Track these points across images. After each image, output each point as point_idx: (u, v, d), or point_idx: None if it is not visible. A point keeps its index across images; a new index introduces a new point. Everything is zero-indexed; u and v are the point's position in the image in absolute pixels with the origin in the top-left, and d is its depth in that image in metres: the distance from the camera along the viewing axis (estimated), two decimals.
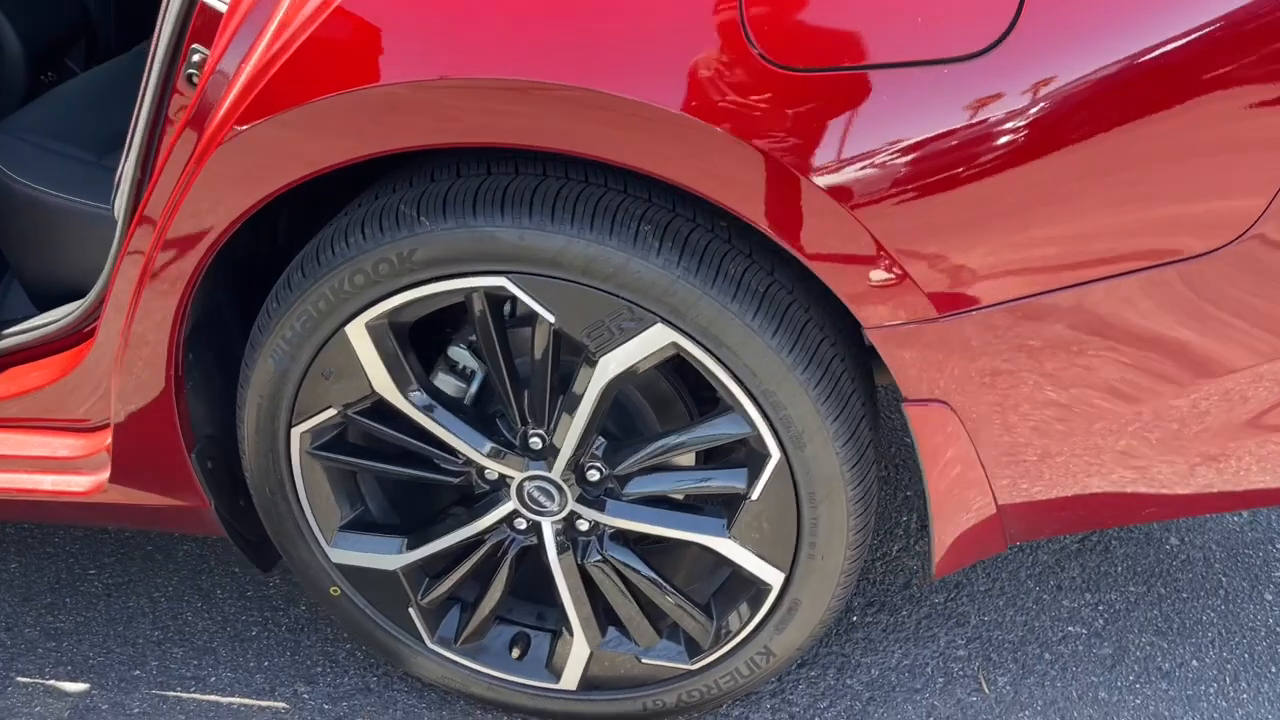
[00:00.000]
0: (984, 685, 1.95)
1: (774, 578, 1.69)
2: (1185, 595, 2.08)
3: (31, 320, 2.00)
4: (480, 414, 1.73)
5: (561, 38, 1.35)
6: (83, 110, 2.27)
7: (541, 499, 1.72)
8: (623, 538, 1.77)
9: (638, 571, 1.75)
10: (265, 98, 1.43)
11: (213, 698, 2.04)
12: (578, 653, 1.83)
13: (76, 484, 1.90)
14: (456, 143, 1.44)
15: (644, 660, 1.82)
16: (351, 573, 1.84)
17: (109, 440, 1.84)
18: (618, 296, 1.51)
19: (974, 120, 1.32)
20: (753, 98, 1.33)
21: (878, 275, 1.40)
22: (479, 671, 1.89)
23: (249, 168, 1.51)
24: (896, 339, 1.45)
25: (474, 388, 1.74)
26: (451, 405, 1.70)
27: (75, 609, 2.24)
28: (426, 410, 1.68)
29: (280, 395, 1.69)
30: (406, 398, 1.67)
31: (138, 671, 2.10)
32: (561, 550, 1.76)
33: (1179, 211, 1.34)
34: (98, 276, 1.91)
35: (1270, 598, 2.06)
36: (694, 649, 1.80)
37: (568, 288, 1.52)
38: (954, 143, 1.33)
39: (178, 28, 1.62)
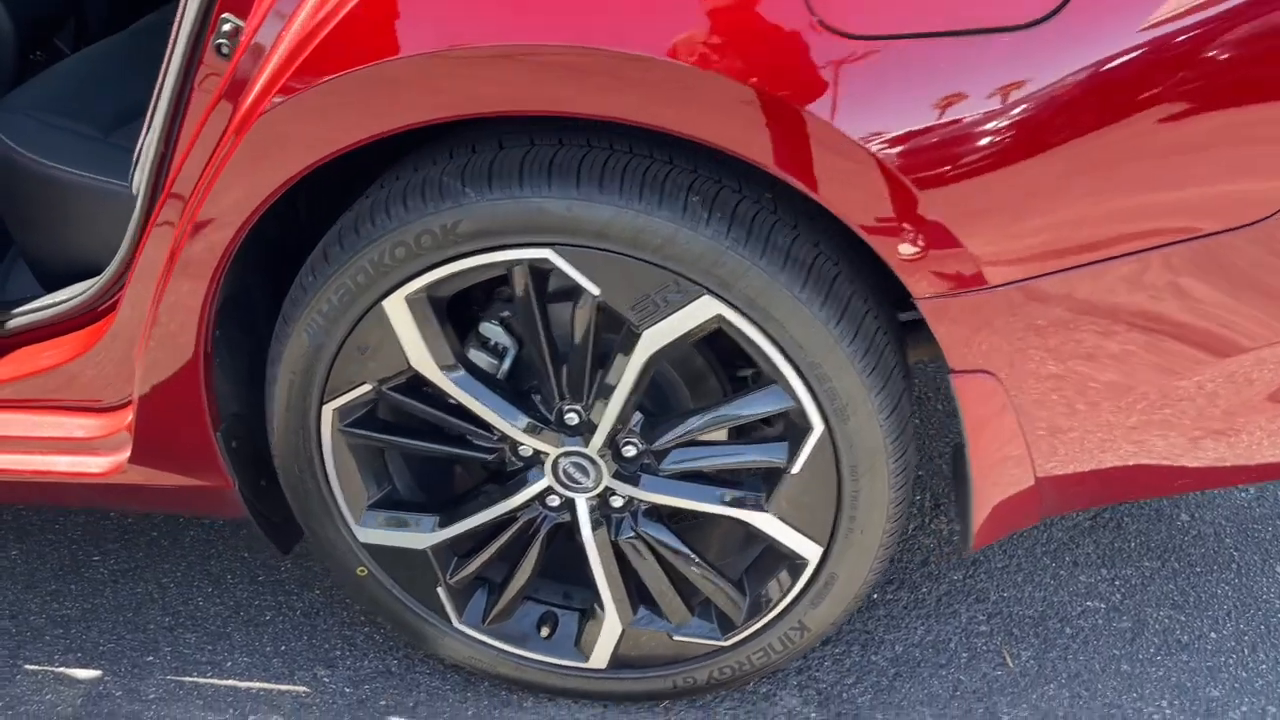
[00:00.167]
0: (1008, 659, 1.97)
1: (811, 552, 1.69)
2: (1199, 570, 2.10)
3: (42, 299, 1.96)
4: (515, 390, 1.71)
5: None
6: (85, 87, 2.22)
7: (576, 475, 1.71)
8: (656, 513, 1.76)
9: (672, 547, 1.75)
10: (313, 64, 1.41)
11: (230, 682, 2.01)
12: (609, 631, 1.82)
13: (94, 465, 1.86)
14: (523, 110, 1.42)
15: (676, 637, 1.81)
16: (379, 552, 1.82)
17: (129, 419, 1.81)
18: (664, 268, 1.50)
19: (1032, 89, 1.33)
20: (812, 64, 1.33)
21: (932, 244, 1.40)
22: (507, 651, 1.87)
23: (291, 138, 1.49)
24: (947, 309, 1.45)
25: (507, 364, 1.73)
26: (488, 381, 1.68)
27: (81, 595, 2.19)
28: (463, 386, 1.66)
29: (313, 371, 1.66)
30: (444, 373, 1.65)
31: (150, 657, 2.07)
32: (595, 526, 1.75)
33: (1237, 182, 1.35)
34: (109, 254, 1.87)
35: None
36: (726, 625, 1.79)
37: (613, 260, 1.51)
38: (1011, 112, 1.33)
39: None
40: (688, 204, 1.47)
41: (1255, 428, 1.58)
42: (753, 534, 1.78)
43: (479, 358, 1.71)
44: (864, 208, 1.39)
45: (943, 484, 2.30)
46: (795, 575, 1.72)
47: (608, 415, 1.64)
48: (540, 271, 1.57)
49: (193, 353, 1.68)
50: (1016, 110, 1.33)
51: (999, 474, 1.60)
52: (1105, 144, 1.34)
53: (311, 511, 1.80)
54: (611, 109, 1.40)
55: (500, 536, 1.79)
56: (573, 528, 1.77)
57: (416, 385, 1.70)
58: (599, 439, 1.67)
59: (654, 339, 1.56)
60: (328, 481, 1.76)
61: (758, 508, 1.68)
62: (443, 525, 1.78)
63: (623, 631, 1.82)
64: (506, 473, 1.77)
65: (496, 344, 1.74)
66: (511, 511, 1.77)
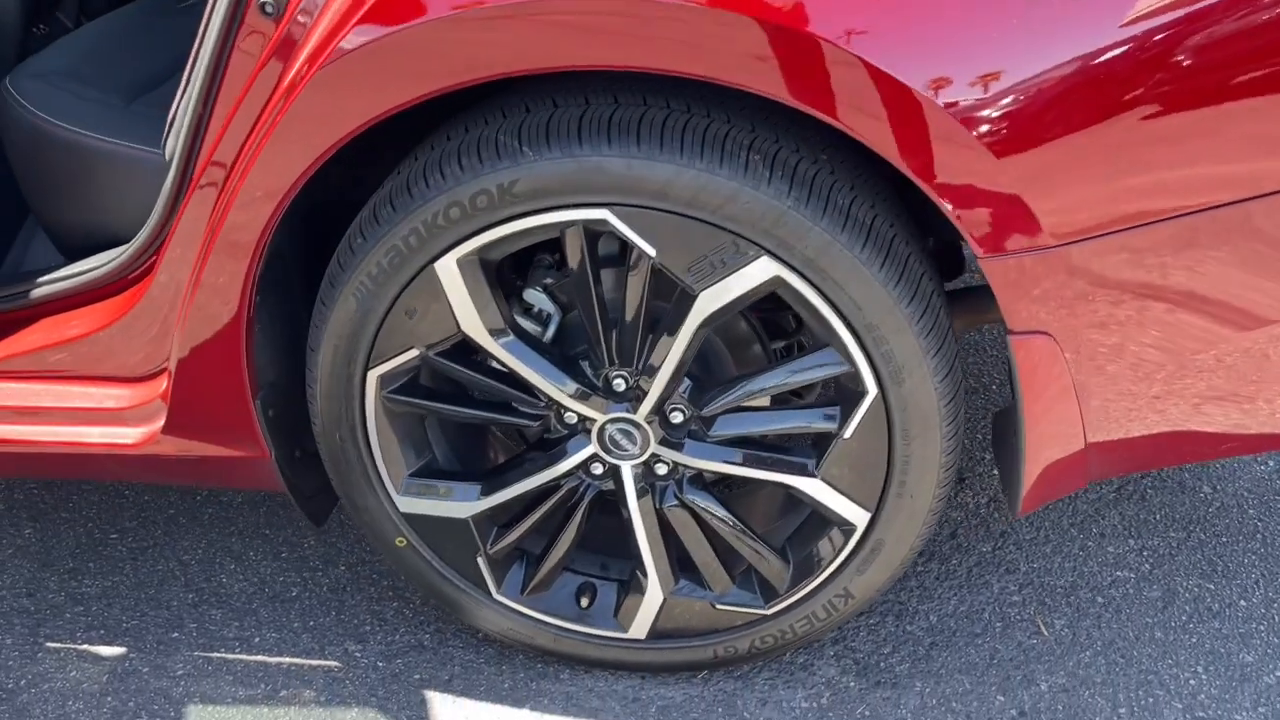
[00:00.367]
0: (1042, 628, 1.97)
1: (859, 517, 1.69)
2: (1224, 540, 2.12)
3: (67, 268, 1.92)
4: (561, 356, 1.70)
5: None
6: (102, 57, 2.18)
7: (623, 441, 1.70)
8: (701, 481, 1.75)
9: (717, 515, 1.74)
10: (379, 11, 1.39)
11: (259, 658, 1.98)
12: (650, 601, 1.81)
13: (125, 436, 1.82)
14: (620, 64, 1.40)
15: (718, 606, 1.80)
16: (420, 522, 1.80)
17: (163, 388, 1.78)
18: (724, 229, 1.49)
19: (1101, 51, 1.34)
20: (884, 23, 1.33)
21: (1000, 204, 1.40)
22: (545, 622, 1.86)
23: (348, 95, 1.46)
24: (1008, 269, 1.45)
25: (551, 330, 1.71)
26: (536, 346, 1.67)
27: (100, 573, 2.16)
28: (513, 351, 1.64)
29: (359, 336, 1.64)
30: (493, 338, 1.63)
31: (176, 634, 2.03)
32: (641, 494, 1.73)
33: None
34: (134, 222, 1.84)
35: None
36: (769, 593, 1.79)
37: (671, 220, 1.50)
38: (1080, 73, 1.34)
39: None
40: (749, 163, 1.46)
41: None
42: (795, 500, 1.78)
43: (524, 324, 1.70)
44: (936, 167, 1.39)
45: (968, 459, 2.31)
46: (842, 541, 1.72)
47: (658, 380, 1.63)
48: (593, 234, 1.56)
49: (236, 318, 1.65)
50: (1085, 71, 1.34)
51: (1050, 436, 1.60)
52: (1171, 102, 1.35)
53: (352, 481, 1.78)
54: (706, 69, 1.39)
55: (542, 505, 1.78)
56: (616, 496, 1.76)
57: (462, 351, 1.68)
58: (648, 405, 1.66)
59: (709, 301, 1.55)
60: (370, 450, 1.74)
61: (807, 473, 1.67)
62: (485, 494, 1.76)
63: (664, 601, 1.81)
64: (549, 440, 1.76)
65: (540, 311, 1.73)
66: (555, 479, 1.75)
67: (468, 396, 1.76)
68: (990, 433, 2.33)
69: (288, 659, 1.98)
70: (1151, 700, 1.85)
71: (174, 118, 1.77)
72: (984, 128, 1.36)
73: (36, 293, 1.90)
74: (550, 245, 1.66)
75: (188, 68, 1.71)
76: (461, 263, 1.57)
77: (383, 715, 1.88)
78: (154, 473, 1.94)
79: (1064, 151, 1.38)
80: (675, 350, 1.60)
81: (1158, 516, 2.18)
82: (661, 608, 1.81)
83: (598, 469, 1.74)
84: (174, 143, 1.74)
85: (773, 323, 1.82)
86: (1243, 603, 2.01)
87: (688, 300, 1.56)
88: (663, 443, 1.70)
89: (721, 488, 1.82)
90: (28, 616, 2.08)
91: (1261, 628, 1.96)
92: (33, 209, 2.07)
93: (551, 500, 1.77)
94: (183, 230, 1.67)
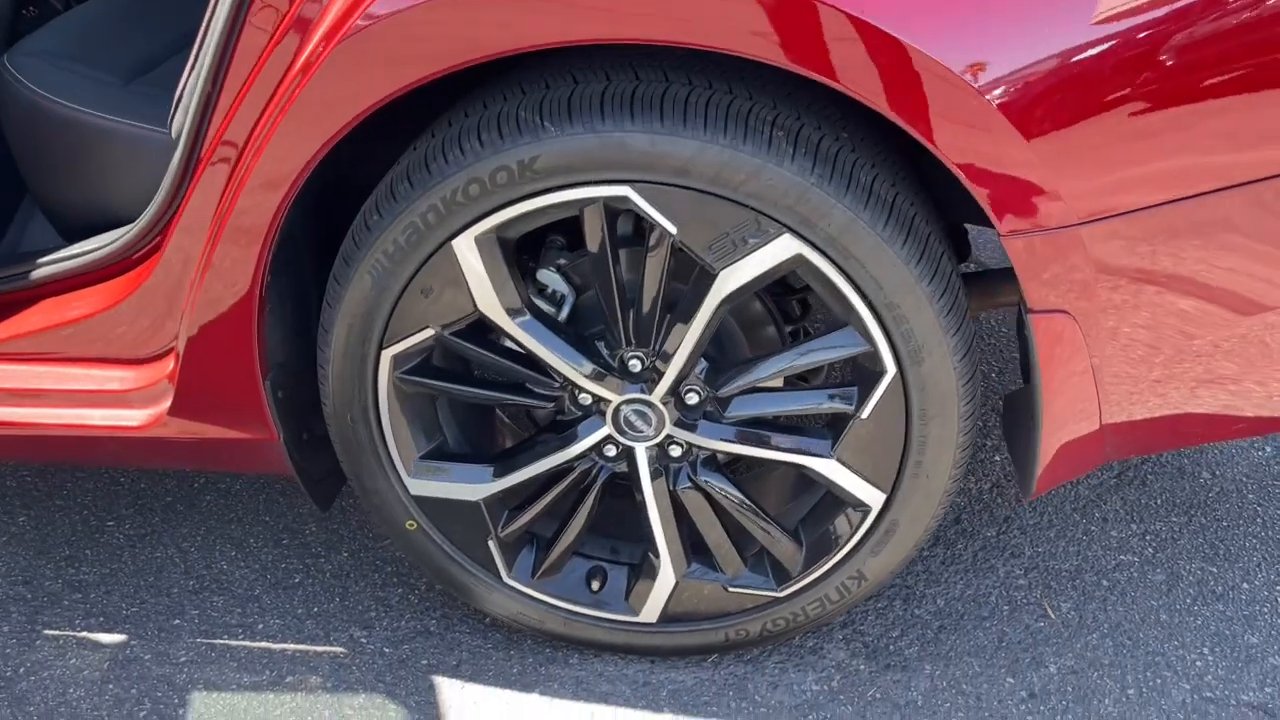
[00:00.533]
0: (1049, 611, 1.98)
1: (874, 499, 1.69)
2: (1225, 524, 2.14)
3: (68, 249, 1.89)
4: (577, 336, 1.69)
5: None
6: (99, 37, 2.15)
7: (638, 423, 1.69)
8: (714, 463, 1.75)
9: (731, 497, 1.73)
10: None
11: (264, 645, 1.96)
12: (661, 584, 1.80)
13: (130, 418, 1.80)
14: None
15: (730, 589, 1.79)
16: (430, 505, 1.78)
17: (170, 369, 1.75)
18: (746, 206, 1.48)
19: (1128, 36, 1.34)
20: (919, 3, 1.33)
21: (1024, 183, 1.40)
22: (556, 606, 1.84)
23: (366, 70, 1.45)
24: (1030, 247, 1.46)
25: (565, 311, 1.70)
26: (552, 326, 1.65)
27: (98, 561, 2.13)
28: (529, 330, 1.63)
29: (374, 315, 1.62)
30: (510, 317, 1.62)
31: (178, 621, 2.01)
32: (655, 476, 1.73)
33: None
34: (135, 201, 1.82)
35: None
36: (782, 576, 1.78)
37: (693, 197, 1.49)
38: (1109, 53, 1.35)
39: None
40: (773, 139, 1.46)
41: None
42: (807, 482, 1.78)
43: (538, 304, 1.69)
44: (959, 143, 1.39)
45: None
46: (856, 523, 1.72)
47: (676, 360, 1.62)
48: (613, 212, 1.55)
49: (247, 298, 1.63)
50: (1110, 49, 1.35)
51: (1066, 415, 1.60)
52: (1197, 86, 1.36)
53: (362, 463, 1.76)
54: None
55: (555, 487, 1.77)
56: (630, 478, 1.75)
57: (477, 330, 1.67)
58: (664, 385, 1.65)
59: (729, 280, 1.54)
60: (381, 432, 1.72)
61: (822, 454, 1.67)
62: (498, 476, 1.75)
63: (676, 584, 1.80)
64: (563, 422, 1.75)
65: (554, 291, 1.71)
66: (569, 461, 1.74)
67: (481, 377, 1.74)
68: (990, 419, 2.34)
69: (292, 645, 1.96)
70: (1159, 681, 1.86)
71: (181, 95, 1.75)
72: (1012, 108, 1.36)
73: (37, 273, 1.87)
74: (561, 226, 1.65)
75: (196, 44, 1.68)
76: (480, 240, 1.55)
77: (391, 701, 1.87)
78: (158, 456, 1.91)
79: (1089, 132, 1.38)
80: (694, 330, 1.59)
81: (1159, 501, 2.19)
82: (673, 591, 1.81)
83: (611, 451, 1.73)
84: (182, 120, 1.72)
85: (779, 308, 1.82)
86: (1246, 585, 2.02)
87: (708, 279, 1.55)
88: (678, 424, 1.69)
89: (734, 470, 1.82)
90: (24, 604, 2.05)
91: (1265, 610, 1.98)
92: (30, 189, 2.04)
93: (564, 482, 1.76)
94: (192, 210, 1.65)
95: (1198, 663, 1.89)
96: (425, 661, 1.93)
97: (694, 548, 1.80)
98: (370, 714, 1.84)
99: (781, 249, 1.51)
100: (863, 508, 1.70)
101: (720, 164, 1.46)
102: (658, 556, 1.78)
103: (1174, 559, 2.07)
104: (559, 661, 1.92)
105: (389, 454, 1.74)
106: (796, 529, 1.78)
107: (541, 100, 1.49)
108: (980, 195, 1.42)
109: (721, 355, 1.72)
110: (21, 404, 1.83)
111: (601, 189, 1.50)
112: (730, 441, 1.69)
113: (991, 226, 1.55)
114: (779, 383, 1.75)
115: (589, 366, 1.66)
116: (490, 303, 1.60)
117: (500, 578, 1.83)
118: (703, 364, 1.67)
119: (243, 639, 1.97)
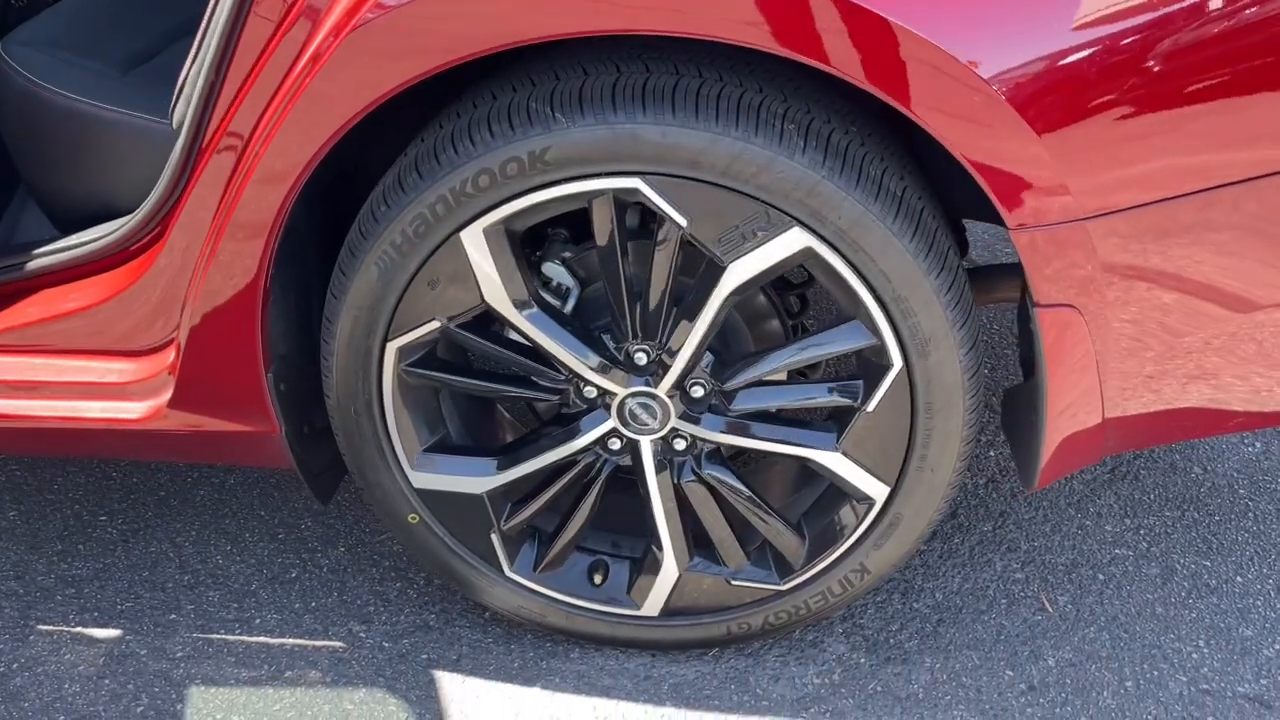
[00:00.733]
0: (1047, 605, 2.00)
1: (878, 491, 1.69)
2: (1218, 519, 2.16)
3: (65, 240, 1.87)
4: (583, 329, 1.68)
5: None
6: (94, 27, 2.13)
7: (643, 416, 1.69)
8: (719, 456, 1.75)
9: (736, 490, 1.73)
10: None
11: (261, 639, 1.95)
12: (665, 577, 1.80)
13: (129, 410, 1.78)
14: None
15: (733, 583, 1.80)
16: (433, 498, 1.77)
17: (170, 361, 1.74)
18: (756, 199, 1.49)
19: (1141, 32, 1.35)
20: None
21: (1034, 178, 1.41)
22: (558, 600, 1.84)
23: (376, 61, 1.44)
24: (1038, 241, 1.47)
25: (570, 304, 1.70)
26: (559, 318, 1.65)
27: (91, 555, 2.11)
28: (536, 323, 1.63)
29: (380, 307, 1.61)
30: (517, 310, 1.61)
31: (174, 616, 1.99)
32: (659, 469, 1.73)
33: None
34: (132, 191, 1.80)
35: None
36: (784, 569, 1.79)
37: (703, 190, 1.49)
38: (1119, 50, 1.37)
39: None
40: (784, 132, 1.46)
41: None
42: (810, 475, 1.79)
43: (545, 297, 1.68)
44: (970, 138, 1.40)
45: None
46: (859, 516, 1.72)
47: (683, 353, 1.62)
48: (622, 205, 1.54)
49: (252, 290, 1.62)
50: (1128, 49, 1.36)
51: (1072, 409, 1.62)
52: (1206, 79, 1.37)
53: (365, 456, 1.75)
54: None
55: (558, 481, 1.76)
56: (634, 471, 1.75)
57: (482, 323, 1.66)
58: (670, 378, 1.65)
59: (738, 273, 1.55)
60: (385, 424, 1.71)
61: (827, 447, 1.68)
62: (502, 469, 1.74)
63: (679, 578, 1.80)
64: (567, 415, 1.75)
65: (559, 284, 1.71)
66: (573, 454, 1.74)
67: (485, 370, 1.74)
68: (984, 415, 2.36)
69: (290, 640, 1.95)
70: (1156, 674, 1.88)
71: (183, 85, 1.73)
72: (1023, 103, 1.37)
73: (33, 264, 1.85)
74: (565, 219, 1.65)
75: (199, 33, 1.67)
76: (488, 232, 1.55)
77: (391, 695, 1.86)
78: (155, 449, 1.89)
79: (1099, 127, 1.39)
80: (702, 323, 1.60)
81: (1152, 496, 2.21)
82: (676, 585, 1.81)
83: (616, 444, 1.73)
84: (183, 110, 1.70)
85: (782, 302, 1.82)
86: (1239, 579, 2.04)
87: (716, 271, 1.55)
88: (683, 417, 1.69)
89: (737, 463, 1.82)
90: (16, 599, 2.02)
91: (1258, 603, 2.00)
92: (24, 179, 2.02)
93: (568, 475, 1.76)
94: (194, 201, 1.64)
95: (1194, 655, 1.91)
96: (425, 656, 1.92)
97: (697, 541, 1.80)
98: (371, 709, 1.83)
99: (791, 242, 1.51)
100: (867, 501, 1.71)
101: (732, 156, 1.46)
102: (661, 550, 1.78)
103: (1168, 553, 2.09)
104: (560, 656, 1.91)
105: (392, 447, 1.73)
106: (799, 522, 1.79)
107: (552, 92, 1.48)
108: (990, 189, 1.43)
109: (726, 349, 1.73)
110: (18, 396, 1.81)
111: (612, 181, 1.50)
112: (735, 434, 1.69)
113: (991, 221, 1.56)
114: (782, 376, 1.75)
115: (595, 359, 1.65)
116: (497, 295, 1.60)
117: (502, 571, 1.83)
118: (708, 357, 1.67)
119: (240, 634, 1.96)
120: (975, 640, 1.94)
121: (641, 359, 1.66)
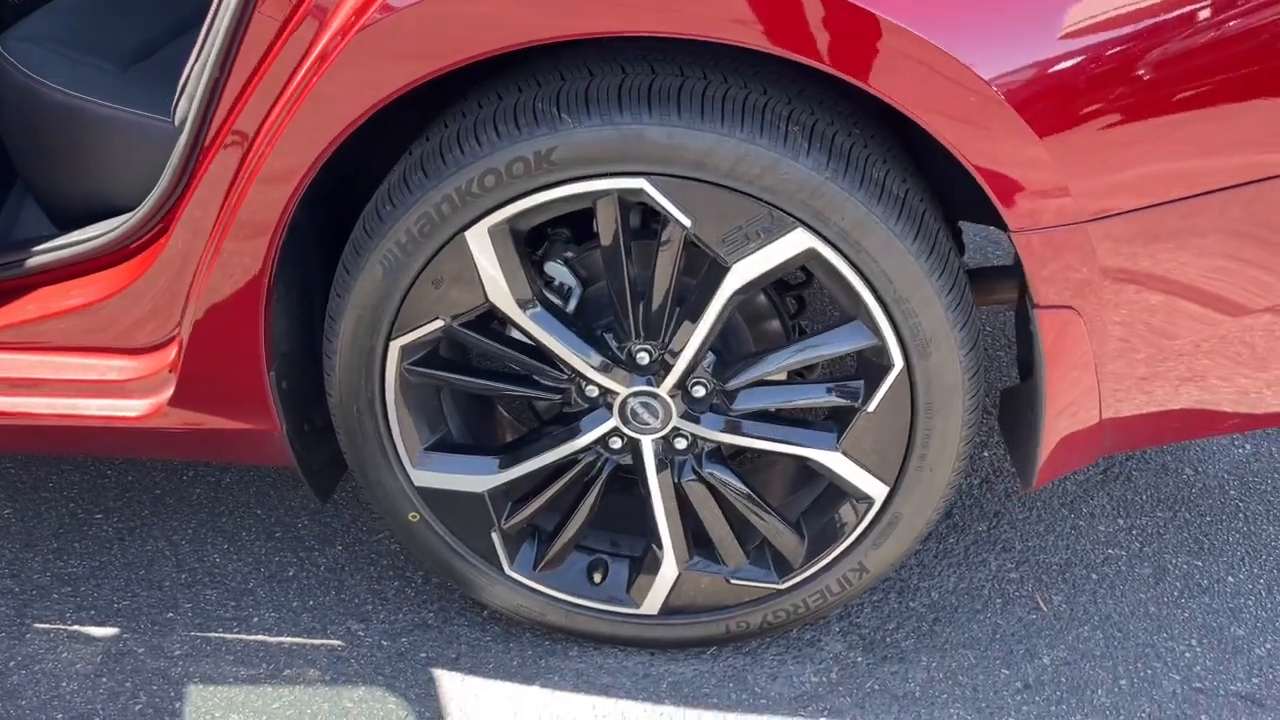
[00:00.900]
0: (1041, 604, 2.01)
1: (877, 491, 1.70)
2: (1209, 519, 2.18)
3: (64, 237, 1.86)
4: (585, 328, 1.69)
5: None
6: (93, 23, 2.13)
7: (644, 415, 1.70)
8: (719, 455, 1.76)
9: (735, 489, 1.74)
10: None
11: (259, 638, 1.95)
12: (664, 576, 1.81)
13: (129, 408, 1.78)
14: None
15: (732, 581, 1.81)
16: (434, 496, 1.78)
17: (170, 359, 1.74)
18: (760, 200, 1.50)
19: (1145, 39, 1.37)
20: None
21: (1037, 180, 1.42)
22: (557, 598, 1.85)
23: (384, 61, 1.45)
24: (1039, 243, 1.48)
25: (572, 304, 1.71)
26: (562, 318, 1.66)
27: (87, 554, 2.10)
28: (540, 322, 1.63)
29: (384, 306, 1.62)
30: (521, 309, 1.62)
31: (171, 614, 1.99)
32: (660, 469, 1.73)
33: None
34: (132, 189, 1.80)
35: None
36: (783, 568, 1.80)
37: (708, 190, 1.50)
38: (1122, 55, 1.38)
39: None
40: (788, 133, 1.47)
41: None
42: (809, 474, 1.80)
43: (548, 296, 1.69)
44: (974, 141, 1.41)
45: None
46: (858, 515, 1.74)
47: (686, 353, 1.63)
48: (626, 205, 1.55)
49: (256, 288, 1.62)
50: (1123, 48, 1.38)
51: (1070, 410, 1.63)
52: (1209, 81, 1.39)
53: (367, 454, 1.75)
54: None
55: (559, 479, 1.77)
56: (635, 470, 1.76)
57: (485, 322, 1.67)
58: (672, 378, 1.66)
59: (742, 273, 1.56)
60: (387, 423, 1.72)
61: (827, 447, 1.69)
62: (504, 467, 1.75)
63: (678, 576, 1.81)
64: (569, 414, 1.75)
65: (561, 284, 1.72)
66: (574, 453, 1.74)
67: (488, 369, 1.74)
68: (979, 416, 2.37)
69: (289, 638, 1.95)
70: (1150, 672, 1.90)
71: (186, 82, 1.73)
72: (1026, 105, 1.38)
73: (32, 261, 1.84)
74: (566, 219, 1.66)
75: (203, 30, 1.67)
76: (493, 232, 1.56)
77: (390, 693, 1.86)
78: (154, 447, 1.89)
79: (1099, 130, 1.41)
80: (704, 323, 1.61)
81: (1144, 497, 2.23)
82: (675, 583, 1.81)
83: (617, 443, 1.74)
84: (186, 108, 1.70)
85: (783, 303, 1.83)
86: (1230, 579, 2.07)
87: (720, 272, 1.56)
88: (684, 416, 1.70)
89: (737, 462, 1.83)
90: (12, 597, 2.02)
91: (1250, 602, 2.02)
92: (22, 176, 2.01)
93: (569, 474, 1.77)
94: (198, 199, 1.64)
95: (1186, 654, 1.93)
96: (424, 654, 1.92)
97: (696, 540, 1.81)
98: (370, 707, 1.84)
99: (794, 243, 1.52)
100: (866, 500, 1.72)
101: (737, 157, 1.47)
102: (660, 549, 1.79)
103: (1160, 553, 2.11)
104: (559, 654, 1.92)
105: (394, 445, 1.74)
106: (799, 521, 1.80)
107: (558, 92, 1.49)
108: (991, 191, 1.44)
109: (727, 349, 1.73)
110: (17, 394, 1.80)
111: (617, 181, 1.51)
112: (736, 434, 1.70)
113: (989, 224, 1.58)
114: (783, 376, 1.77)
115: (598, 359, 1.66)
116: (501, 294, 1.61)
117: (502, 570, 1.83)
118: (710, 357, 1.68)
119: (238, 632, 1.96)
120: (971, 639, 1.95)
121: (644, 358, 1.66)
